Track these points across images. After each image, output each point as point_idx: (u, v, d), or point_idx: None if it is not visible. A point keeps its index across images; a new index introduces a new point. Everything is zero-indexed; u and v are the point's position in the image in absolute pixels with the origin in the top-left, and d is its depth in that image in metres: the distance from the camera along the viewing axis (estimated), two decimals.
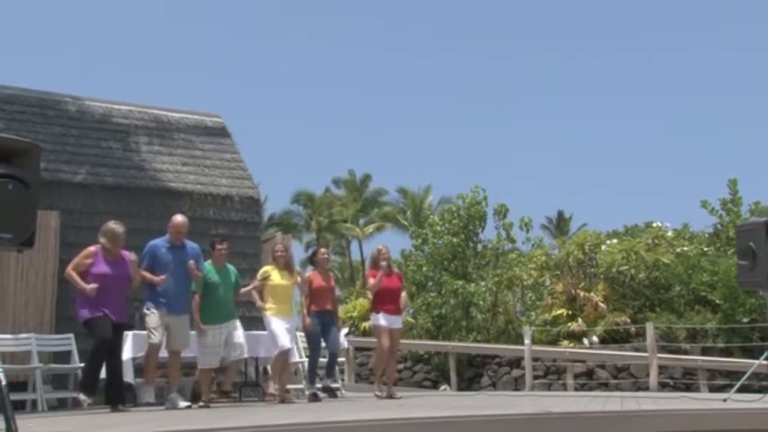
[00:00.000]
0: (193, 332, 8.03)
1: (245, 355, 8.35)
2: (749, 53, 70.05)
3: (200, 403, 7.76)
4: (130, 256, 7.51)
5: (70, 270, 7.37)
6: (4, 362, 6.76)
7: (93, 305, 7.23)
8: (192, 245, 8.03)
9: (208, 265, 8.09)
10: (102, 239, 7.43)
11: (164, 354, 7.84)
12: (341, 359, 10.67)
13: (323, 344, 8.56)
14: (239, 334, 8.07)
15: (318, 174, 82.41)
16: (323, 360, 8.75)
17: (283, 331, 8.06)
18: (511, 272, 16.31)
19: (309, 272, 8.79)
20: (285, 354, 8.12)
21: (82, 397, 7.22)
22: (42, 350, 8.80)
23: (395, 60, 74.47)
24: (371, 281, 8.68)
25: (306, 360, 8.88)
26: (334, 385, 8.86)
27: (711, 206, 15.85)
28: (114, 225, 7.51)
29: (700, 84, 70.36)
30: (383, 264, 8.72)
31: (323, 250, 9.14)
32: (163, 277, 7.63)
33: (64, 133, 10.75)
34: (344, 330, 11.20)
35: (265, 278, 8.19)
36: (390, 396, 8.64)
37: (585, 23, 72.34)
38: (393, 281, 8.76)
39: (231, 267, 8.31)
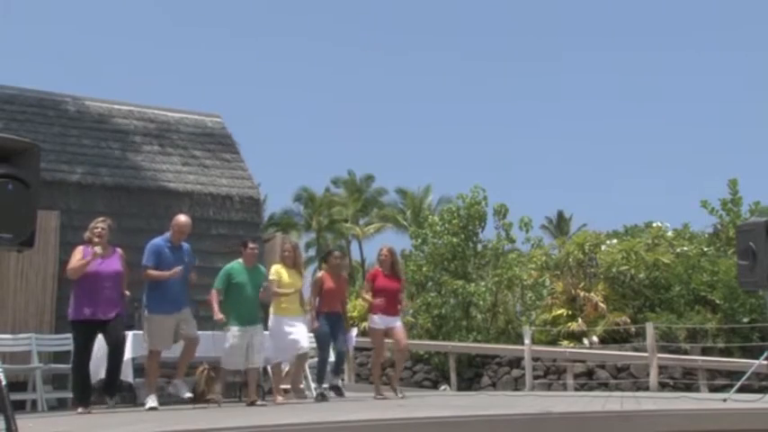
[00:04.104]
0: (220, 332, 8.01)
1: (262, 365, 8.34)
2: (749, 53, 70.14)
3: (213, 405, 7.75)
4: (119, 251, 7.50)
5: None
6: (4, 362, 6.77)
7: (80, 303, 7.19)
8: (186, 245, 7.94)
9: (237, 264, 8.07)
10: (86, 234, 7.40)
11: (167, 353, 7.79)
12: None
13: (331, 344, 8.59)
14: (260, 341, 8.00)
15: (318, 174, 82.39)
16: (330, 360, 8.78)
17: (291, 333, 8.09)
18: (511, 272, 16.27)
19: (321, 273, 8.82)
20: (305, 355, 8.22)
21: (79, 410, 7.07)
22: (42, 350, 8.81)
23: (395, 61, 74.53)
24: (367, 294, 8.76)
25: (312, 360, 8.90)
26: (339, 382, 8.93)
27: (711, 206, 15.85)
28: (98, 219, 7.51)
29: (700, 84, 70.43)
30: (382, 264, 8.80)
31: (337, 254, 9.24)
32: (176, 270, 7.46)
33: (64, 133, 10.75)
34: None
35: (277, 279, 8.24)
36: (395, 390, 8.65)
37: (585, 23, 72.40)
38: (392, 281, 8.77)
39: (262, 268, 8.28)
